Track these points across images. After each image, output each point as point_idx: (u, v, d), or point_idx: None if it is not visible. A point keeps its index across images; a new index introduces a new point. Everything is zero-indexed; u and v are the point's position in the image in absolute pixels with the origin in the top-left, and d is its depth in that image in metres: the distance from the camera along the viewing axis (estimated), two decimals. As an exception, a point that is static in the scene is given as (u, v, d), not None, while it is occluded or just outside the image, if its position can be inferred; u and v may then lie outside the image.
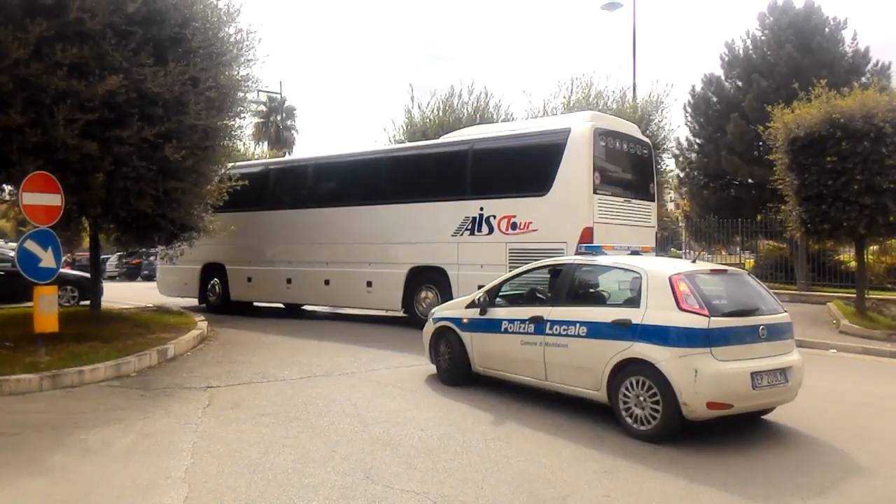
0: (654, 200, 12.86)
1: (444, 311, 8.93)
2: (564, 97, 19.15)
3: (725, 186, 26.47)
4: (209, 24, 11.12)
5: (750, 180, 25.22)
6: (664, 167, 20.27)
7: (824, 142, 13.34)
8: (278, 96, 46.44)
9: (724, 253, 28.61)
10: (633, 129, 13.00)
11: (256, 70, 13.04)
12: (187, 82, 10.20)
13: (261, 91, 35.01)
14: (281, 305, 16.98)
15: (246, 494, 4.82)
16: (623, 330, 6.34)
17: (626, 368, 6.30)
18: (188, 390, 8.10)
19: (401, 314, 13.87)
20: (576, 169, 11.24)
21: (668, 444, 6.03)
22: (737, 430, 6.55)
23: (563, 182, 11.35)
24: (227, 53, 11.60)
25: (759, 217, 21.83)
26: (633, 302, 6.48)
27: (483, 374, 8.14)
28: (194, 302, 17.04)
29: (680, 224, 30.75)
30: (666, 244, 28.66)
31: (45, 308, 8.79)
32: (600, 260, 7.38)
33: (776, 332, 6.38)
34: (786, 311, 6.70)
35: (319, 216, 14.69)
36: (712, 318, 5.99)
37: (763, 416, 6.89)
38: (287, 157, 17.42)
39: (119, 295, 18.98)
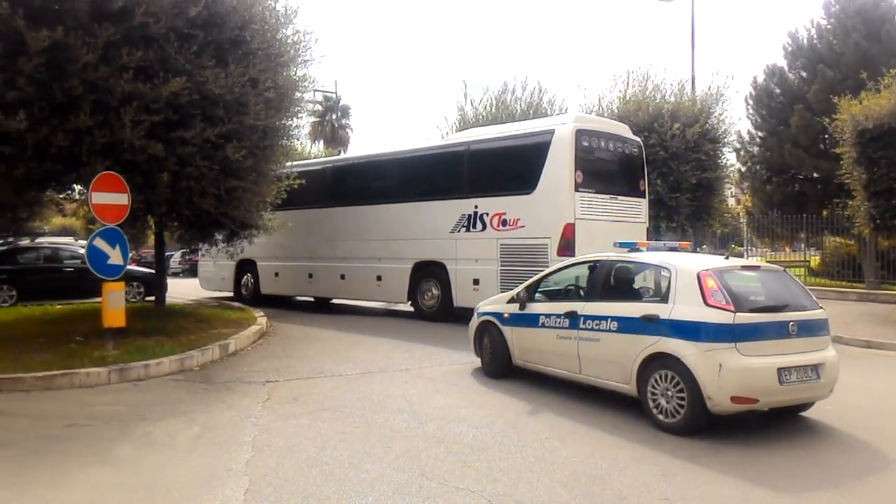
0: (644, 197, 13.23)
1: (487, 306, 9.19)
2: (620, 91, 18.86)
3: (789, 181, 25.69)
4: (268, 25, 11.34)
5: (815, 174, 24.42)
6: (725, 161, 19.71)
7: (894, 134, 12.79)
8: (334, 95, 47.11)
9: (787, 250, 27.77)
10: (620, 129, 13.44)
11: (313, 70, 13.25)
12: (247, 83, 10.42)
13: (317, 91, 35.63)
14: (311, 299, 17.66)
15: (304, 488, 4.92)
16: (651, 325, 6.48)
17: (654, 362, 6.44)
18: (248, 385, 8.31)
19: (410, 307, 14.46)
20: (558, 168, 11.81)
21: (730, 447, 5.91)
22: (801, 435, 6.38)
23: (547, 181, 11.94)
24: (284, 54, 11.81)
25: (824, 213, 21.13)
26: (663, 297, 6.66)
27: (522, 367, 8.36)
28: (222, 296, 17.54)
29: (741, 220, 29.91)
30: (726, 241, 27.97)
31: (113, 304, 9.12)
32: (633, 256, 7.51)
33: (808, 329, 6.38)
34: (822, 308, 6.68)
35: (335, 215, 15.66)
36: (738, 314, 6.05)
37: (803, 414, 6.86)
38: (306, 161, 18.15)
39: (182, 291, 19.60)
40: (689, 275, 6.47)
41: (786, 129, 24.45)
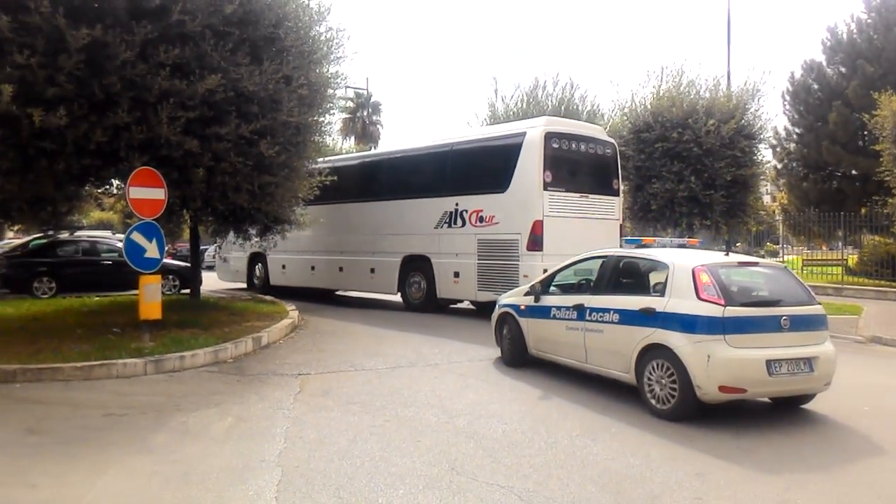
0: (617, 195, 13.76)
1: (506, 298, 9.63)
2: (654, 86, 18.62)
3: (826, 178, 25.18)
4: (301, 23, 11.42)
5: (853, 171, 23.91)
6: (760, 158, 19.37)
7: (939, 130, 12.46)
8: (365, 92, 47.30)
9: (824, 248, 27.24)
10: (592, 131, 14.09)
11: (345, 67, 13.32)
12: (281, 80, 10.51)
13: (348, 87, 35.74)
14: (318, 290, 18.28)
15: (335, 480, 4.97)
16: (649, 317, 6.84)
17: (650, 352, 6.80)
18: (281, 377, 8.41)
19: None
20: (528, 168, 12.47)
21: (764, 447, 5.83)
22: (837, 436, 6.26)
23: (519, 180, 12.64)
24: (317, 51, 11.89)
25: (863, 211, 20.68)
26: (660, 291, 6.98)
27: (536, 356, 8.81)
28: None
29: (777, 218, 29.39)
30: (762, 239, 27.51)
31: (150, 296, 9.29)
32: (637, 252, 7.93)
33: (802, 324, 6.61)
34: (818, 304, 6.93)
35: (334, 212, 16.27)
36: (727, 308, 6.34)
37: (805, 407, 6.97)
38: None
39: (216, 284, 19.91)
40: (684, 270, 6.78)
41: (824, 125, 23.96)
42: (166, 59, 9.09)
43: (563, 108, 21.11)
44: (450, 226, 13.79)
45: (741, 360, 6.27)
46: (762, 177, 20.65)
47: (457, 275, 13.60)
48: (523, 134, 12.81)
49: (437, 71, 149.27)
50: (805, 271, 24.59)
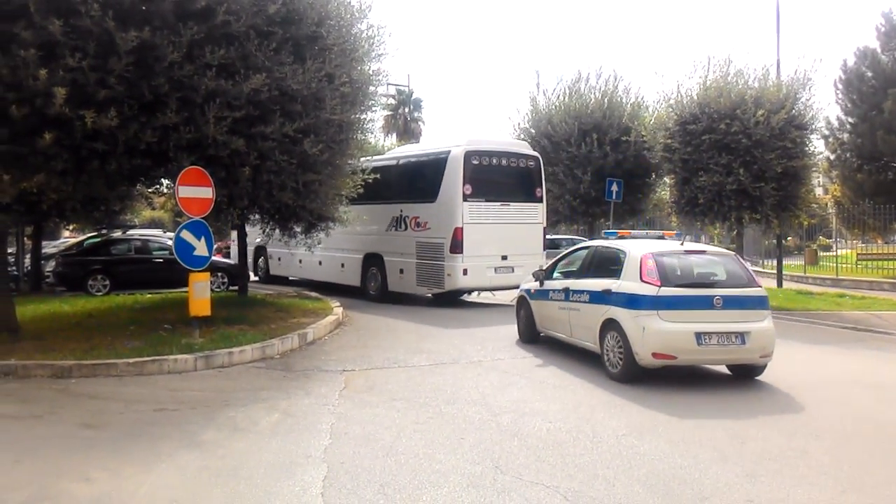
0: (540, 202, 15.66)
1: (524, 283, 11.10)
2: (700, 77, 18.11)
3: (882, 169, 24.32)
4: (343, 21, 11.48)
5: (912, 162, 23.01)
6: (812, 149, 18.74)
7: None
8: (406, 89, 47.44)
9: (880, 242, 26.36)
10: (515, 147, 16.13)
11: (386, 64, 13.48)
12: (324, 79, 10.58)
13: (390, 84, 35.94)
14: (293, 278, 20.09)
15: (380, 477, 5.00)
16: (607, 296, 8.26)
17: (607, 326, 8.21)
18: (326, 373, 8.50)
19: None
20: (451, 182, 14.46)
21: (817, 449, 5.66)
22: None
23: (444, 192, 14.62)
24: (359, 49, 11.94)
25: (922, 203, 19.87)
26: (617, 275, 8.31)
27: (541, 332, 10.28)
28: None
29: (829, 211, 28.51)
30: (813, 232, 26.73)
31: (199, 293, 9.48)
32: (609, 243, 9.25)
33: (737, 303, 7.80)
34: (759, 287, 8.10)
35: None
36: (662, 288, 7.68)
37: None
38: None
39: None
40: (634, 257, 8.12)
41: (878, 114, 23.12)
42: (212, 59, 9.23)
43: (606, 100, 20.76)
44: (396, 229, 15.78)
45: (671, 331, 7.54)
46: (814, 168, 19.98)
47: (402, 271, 15.58)
48: (448, 152, 14.76)
49: (479, 65, 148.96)
50: (859, 266, 23.85)
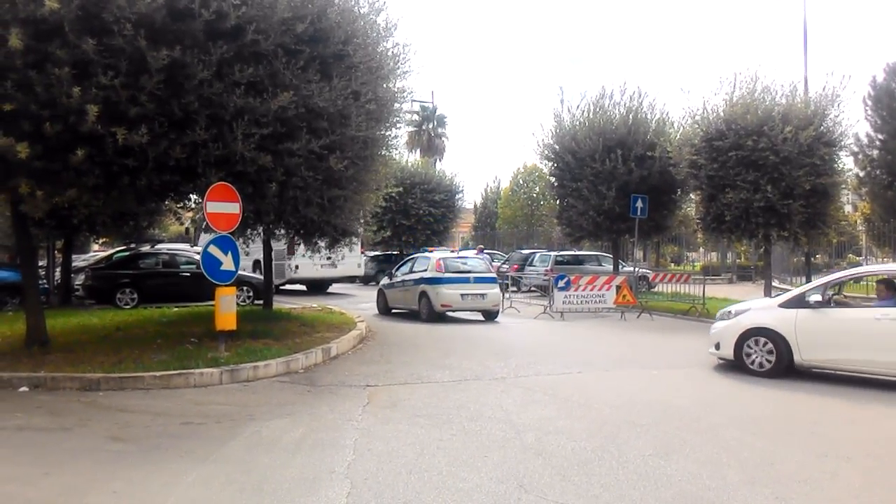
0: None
1: (381, 282, 19.39)
2: (727, 93, 18.00)
3: (913, 186, 23.86)
4: (369, 39, 11.60)
5: (943, 179, 22.57)
6: (841, 166, 18.49)
7: None
8: (430, 105, 47.70)
9: (912, 260, 25.77)
10: None
11: (410, 81, 13.45)
12: (349, 96, 10.68)
13: (414, 101, 36.17)
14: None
15: (403, 494, 4.98)
16: (421, 280, 16.14)
17: (419, 295, 16.15)
18: (350, 388, 8.51)
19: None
20: None
21: (848, 471, 5.53)
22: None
23: None
24: (384, 67, 12.05)
25: (955, 220, 19.45)
26: (426, 269, 16.28)
27: (392, 308, 17.83)
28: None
29: (859, 228, 28.05)
30: (842, 250, 26.28)
31: (225, 307, 9.58)
32: (423, 255, 17.63)
33: (481, 280, 16.21)
34: (492, 272, 16.97)
35: None
36: (445, 273, 15.82)
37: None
38: None
39: (287, 295, 20.37)
40: (434, 259, 16.44)
41: (909, 130, 22.78)
42: (241, 77, 9.37)
43: (630, 116, 20.70)
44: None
45: (448, 293, 15.69)
46: (843, 185, 19.69)
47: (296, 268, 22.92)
48: None
49: (503, 82, 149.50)
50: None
